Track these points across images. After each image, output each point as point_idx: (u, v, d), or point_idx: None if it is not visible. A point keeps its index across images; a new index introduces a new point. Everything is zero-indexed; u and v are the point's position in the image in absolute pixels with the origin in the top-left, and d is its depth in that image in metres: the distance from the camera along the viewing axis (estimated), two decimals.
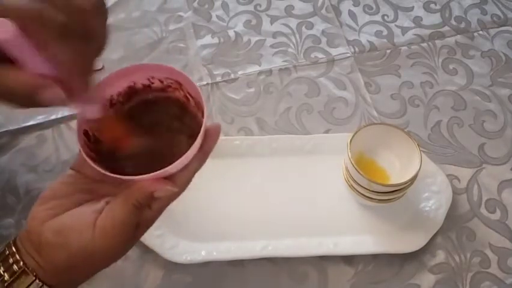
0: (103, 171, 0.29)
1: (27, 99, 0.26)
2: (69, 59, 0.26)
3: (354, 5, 0.71)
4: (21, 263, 0.30)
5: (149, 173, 0.29)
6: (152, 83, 0.35)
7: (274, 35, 0.68)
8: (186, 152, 0.30)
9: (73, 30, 0.25)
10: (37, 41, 0.24)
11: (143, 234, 0.33)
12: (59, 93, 0.26)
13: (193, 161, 0.32)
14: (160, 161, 0.31)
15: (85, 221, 0.29)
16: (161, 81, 0.35)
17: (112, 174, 0.29)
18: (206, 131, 0.32)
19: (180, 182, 0.32)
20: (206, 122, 0.31)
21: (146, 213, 0.32)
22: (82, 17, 0.26)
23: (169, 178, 0.31)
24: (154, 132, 0.35)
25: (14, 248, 0.30)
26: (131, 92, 0.35)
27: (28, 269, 0.30)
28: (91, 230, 0.29)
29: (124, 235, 0.30)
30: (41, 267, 0.30)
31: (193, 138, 0.31)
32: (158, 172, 0.29)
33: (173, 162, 0.29)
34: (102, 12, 0.28)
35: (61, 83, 0.26)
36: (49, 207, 0.31)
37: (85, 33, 0.26)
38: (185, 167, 0.32)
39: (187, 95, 0.34)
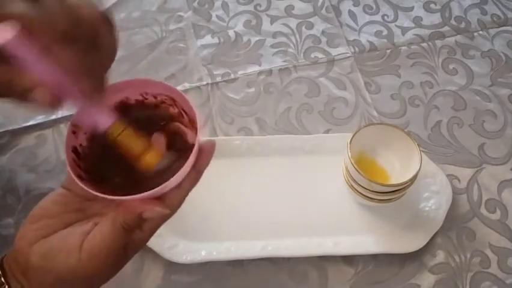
0: (90, 190, 0.28)
1: (21, 97, 0.26)
2: (72, 62, 0.26)
3: (354, 5, 0.71)
4: (6, 286, 0.29)
5: (140, 190, 0.28)
6: (146, 99, 0.34)
7: (274, 35, 0.68)
8: (178, 171, 0.29)
9: (77, 37, 0.25)
10: (40, 46, 0.24)
11: (134, 255, 0.32)
12: (46, 95, 0.26)
13: (185, 181, 0.31)
14: (152, 178, 0.30)
15: (71, 243, 0.29)
16: (155, 97, 0.34)
17: (100, 194, 0.28)
18: (200, 149, 0.31)
19: (171, 202, 0.30)
20: (199, 140, 0.30)
21: (136, 234, 0.30)
22: (87, 24, 0.26)
23: (160, 197, 0.30)
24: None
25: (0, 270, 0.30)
26: (124, 107, 0.34)
27: None
28: (78, 253, 0.28)
29: (111, 257, 0.29)
30: None
31: (186, 155, 0.29)
32: (148, 193, 0.28)
33: (165, 180, 0.28)
34: (108, 21, 0.28)
35: (63, 87, 0.26)
36: (39, 227, 0.30)
37: (90, 40, 0.26)
38: (177, 186, 0.30)
39: (181, 111, 0.34)
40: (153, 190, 0.28)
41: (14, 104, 0.27)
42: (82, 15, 0.26)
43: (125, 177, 0.32)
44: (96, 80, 0.28)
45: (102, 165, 0.33)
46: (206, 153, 0.32)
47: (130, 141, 0.31)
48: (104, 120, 0.30)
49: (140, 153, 0.31)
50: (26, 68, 0.25)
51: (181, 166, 0.29)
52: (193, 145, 0.30)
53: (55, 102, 0.26)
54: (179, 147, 0.33)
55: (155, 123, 0.34)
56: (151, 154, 0.31)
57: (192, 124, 0.33)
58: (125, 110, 0.34)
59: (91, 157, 0.33)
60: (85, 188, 0.29)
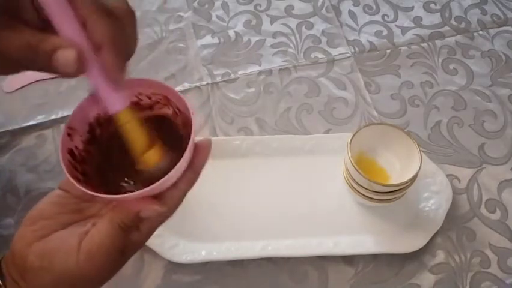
0: (86, 191, 0.28)
1: (46, 61, 0.25)
2: (104, 35, 0.25)
3: (354, 5, 0.71)
4: None
5: (137, 190, 0.27)
6: (141, 100, 0.33)
7: (274, 35, 0.68)
8: (173, 168, 0.28)
9: (113, 13, 0.26)
10: (78, 9, 0.24)
11: (131, 256, 0.31)
12: (72, 55, 0.24)
13: (182, 180, 0.30)
14: (150, 179, 0.30)
15: (69, 244, 0.28)
16: (149, 98, 0.33)
17: (96, 194, 0.28)
18: (195, 147, 0.30)
19: (169, 201, 0.30)
20: (194, 138, 0.30)
21: (134, 235, 0.30)
22: (121, 8, 0.26)
23: (157, 197, 0.29)
24: None
25: None
26: None
27: None
28: (76, 253, 0.28)
29: (109, 258, 0.29)
30: None
31: (182, 152, 0.29)
32: (143, 190, 0.27)
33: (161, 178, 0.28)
34: (133, 14, 0.29)
35: (90, 59, 0.25)
36: (36, 228, 0.30)
37: (123, 20, 0.27)
38: (174, 185, 0.30)
39: (176, 110, 0.33)
40: (149, 187, 0.27)
41: (35, 69, 0.26)
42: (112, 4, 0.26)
43: (123, 180, 0.32)
44: (121, 59, 0.27)
45: (99, 169, 0.33)
46: (202, 152, 0.31)
47: (136, 133, 0.30)
48: (117, 101, 0.29)
49: (141, 148, 0.30)
50: (58, 30, 0.24)
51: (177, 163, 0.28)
52: (187, 143, 0.29)
53: (78, 67, 0.25)
54: (175, 146, 0.32)
55: (151, 125, 0.33)
56: (153, 151, 0.31)
57: (187, 122, 0.32)
58: None
59: (88, 160, 0.32)
60: (82, 188, 0.28)
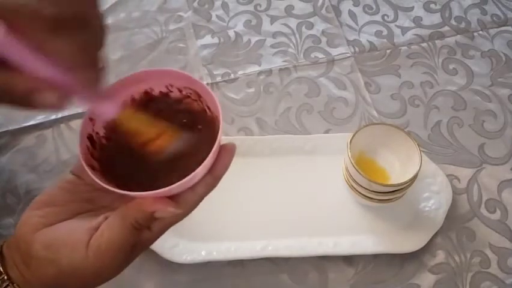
0: (101, 182, 0.27)
1: (24, 102, 0.24)
2: (68, 52, 0.24)
3: (354, 5, 0.71)
4: (5, 276, 0.28)
5: (155, 188, 0.26)
6: (171, 91, 0.32)
7: (274, 35, 0.68)
8: (194, 170, 0.27)
9: (65, 21, 0.23)
10: (31, 39, 0.22)
11: (139, 255, 0.30)
12: (53, 97, 0.24)
13: (200, 184, 0.29)
14: (168, 175, 0.29)
15: (78, 238, 0.27)
16: (180, 91, 0.32)
17: (111, 188, 0.27)
18: (219, 150, 0.29)
19: (184, 204, 0.29)
20: (220, 140, 0.28)
21: (144, 234, 0.29)
22: (72, 4, 0.24)
23: (173, 197, 0.28)
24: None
25: None
26: (147, 98, 0.32)
27: (13, 284, 0.28)
28: (84, 249, 0.27)
29: (118, 256, 0.28)
30: (27, 281, 0.28)
31: (205, 153, 0.28)
32: (161, 190, 0.26)
33: (181, 179, 0.27)
34: None
35: (65, 82, 0.24)
36: (43, 214, 0.29)
37: (78, 22, 0.24)
38: (192, 188, 0.29)
39: (206, 108, 0.32)
40: (166, 188, 0.26)
41: (14, 109, 0.25)
42: None
43: (141, 172, 0.31)
44: (93, 69, 0.26)
45: (117, 157, 0.31)
46: (225, 157, 0.30)
47: (141, 126, 0.29)
48: (110, 109, 0.28)
49: (152, 137, 0.30)
50: (21, 68, 0.23)
51: (198, 165, 0.27)
52: (212, 144, 0.28)
53: (64, 102, 0.25)
54: (198, 144, 0.32)
55: (178, 118, 0.33)
56: (163, 137, 0.30)
57: (215, 122, 0.31)
58: (148, 102, 0.33)
59: (107, 148, 0.31)
60: (97, 180, 0.27)
